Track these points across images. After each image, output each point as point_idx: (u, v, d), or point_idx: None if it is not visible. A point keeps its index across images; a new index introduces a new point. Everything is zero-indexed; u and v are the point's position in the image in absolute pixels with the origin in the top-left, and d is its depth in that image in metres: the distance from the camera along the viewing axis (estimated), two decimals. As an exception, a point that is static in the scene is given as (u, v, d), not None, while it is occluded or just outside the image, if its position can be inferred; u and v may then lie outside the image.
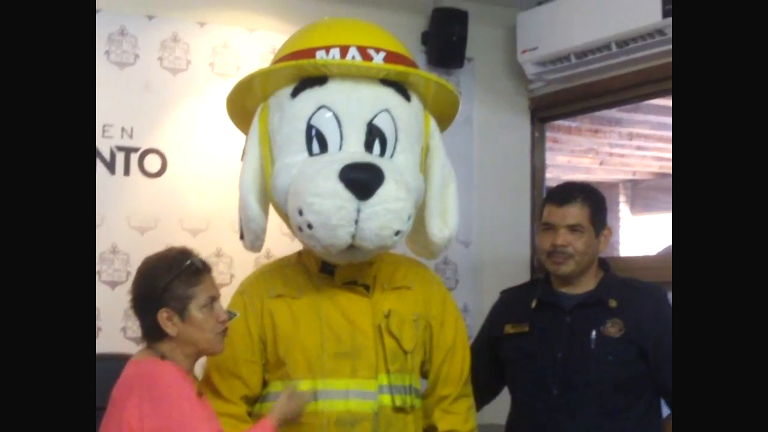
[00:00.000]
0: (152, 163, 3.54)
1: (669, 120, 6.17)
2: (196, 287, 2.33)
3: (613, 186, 9.55)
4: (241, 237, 2.61)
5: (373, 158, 2.46)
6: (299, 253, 2.67)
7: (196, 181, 3.59)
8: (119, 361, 2.39)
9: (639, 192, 9.57)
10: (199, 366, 2.50)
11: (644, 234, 9.36)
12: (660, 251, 5.50)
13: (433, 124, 2.66)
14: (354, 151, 2.46)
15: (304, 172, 2.40)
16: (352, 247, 2.39)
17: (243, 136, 2.77)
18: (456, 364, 2.69)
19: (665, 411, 2.81)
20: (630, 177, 9.23)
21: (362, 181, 2.33)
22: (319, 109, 2.48)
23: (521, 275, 4.26)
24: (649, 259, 4.16)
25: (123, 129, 3.49)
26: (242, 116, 2.72)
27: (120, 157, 3.48)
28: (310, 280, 2.56)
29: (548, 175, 8.23)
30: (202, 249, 3.49)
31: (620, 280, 2.87)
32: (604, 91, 3.95)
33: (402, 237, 2.44)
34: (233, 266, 3.63)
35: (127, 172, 3.49)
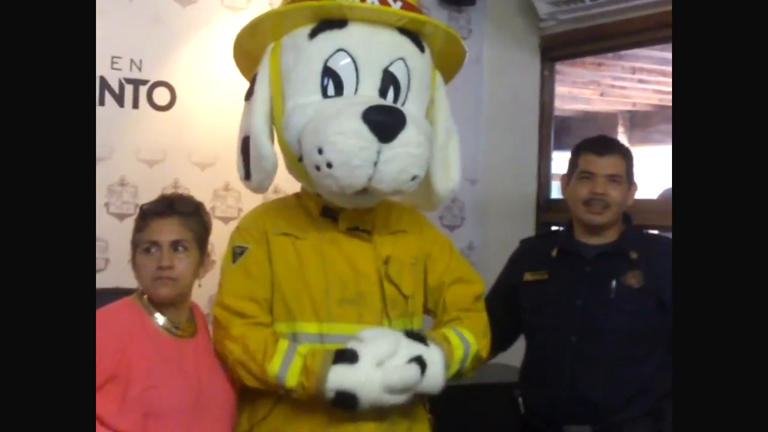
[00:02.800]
0: (161, 95, 3.48)
1: (671, 55, 6.13)
2: (142, 232, 2.33)
3: (612, 116, 9.53)
4: (246, 177, 2.56)
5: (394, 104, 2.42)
6: (297, 196, 2.64)
7: (205, 115, 3.54)
8: (128, 294, 2.40)
9: (638, 123, 9.54)
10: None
11: (643, 165, 9.35)
12: (660, 194, 5.50)
13: (439, 77, 2.62)
14: (370, 95, 2.42)
15: (323, 111, 2.36)
16: (364, 191, 2.36)
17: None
18: (459, 290, 2.66)
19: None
20: (629, 108, 9.20)
21: (386, 123, 2.29)
22: (337, 51, 2.43)
23: (527, 213, 4.28)
24: (650, 203, 4.16)
25: (132, 61, 3.42)
26: (242, 57, 2.68)
27: (129, 90, 3.42)
28: (312, 223, 2.53)
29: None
30: (211, 183, 3.57)
31: (641, 233, 2.89)
32: (616, 33, 3.88)
33: (417, 182, 2.41)
34: (241, 200, 3.61)
35: (135, 104, 3.43)
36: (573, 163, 2.82)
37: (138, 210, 2.40)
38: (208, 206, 3.43)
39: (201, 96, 3.53)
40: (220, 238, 3.10)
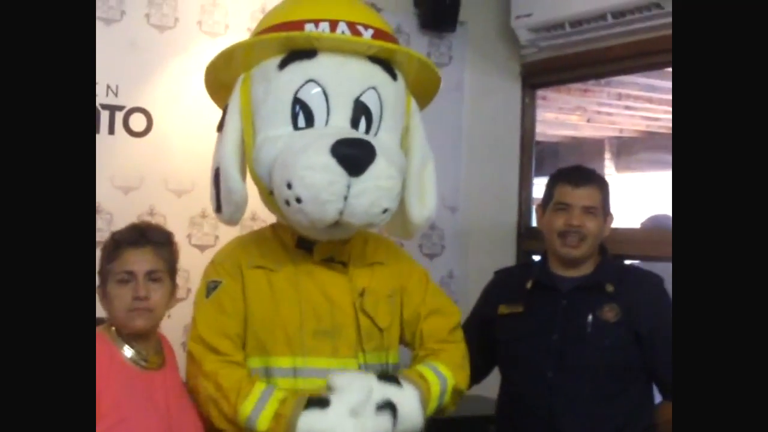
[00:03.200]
0: (137, 122, 3.45)
1: (657, 82, 6.14)
2: (114, 262, 2.29)
3: (599, 143, 9.53)
4: (218, 210, 2.54)
5: (364, 135, 2.41)
6: (273, 227, 2.62)
7: (182, 141, 3.51)
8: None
9: (625, 150, 9.55)
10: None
11: (628, 192, 9.35)
12: (643, 223, 5.48)
13: (413, 103, 2.62)
14: (341, 126, 2.41)
15: (292, 145, 2.35)
16: (336, 224, 2.35)
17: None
18: (438, 320, 2.64)
19: (657, 398, 2.80)
20: (617, 134, 9.21)
21: (355, 157, 2.28)
22: (307, 82, 2.42)
23: (508, 242, 4.26)
24: (632, 232, 4.13)
25: (108, 87, 3.39)
26: (215, 88, 2.66)
27: (105, 116, 3.39)
28: (287, 254, 2.51)
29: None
30: (187, 210, 3.53)
31: (618, 265, 2.87)
32: (597, 60, 3.88)
33: (389, 215, 2.40)
34: (218, 228, 3.57)
35: (111, 130, 3.40)
36: (548, 194, 2.80)
37: (108, 239, 2.36)
38: (184, 234, 3.48)
39: (178, 122, 3.51)
40: (196, 267, 3.08)
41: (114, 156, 3.42)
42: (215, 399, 2.35)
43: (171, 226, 3.40)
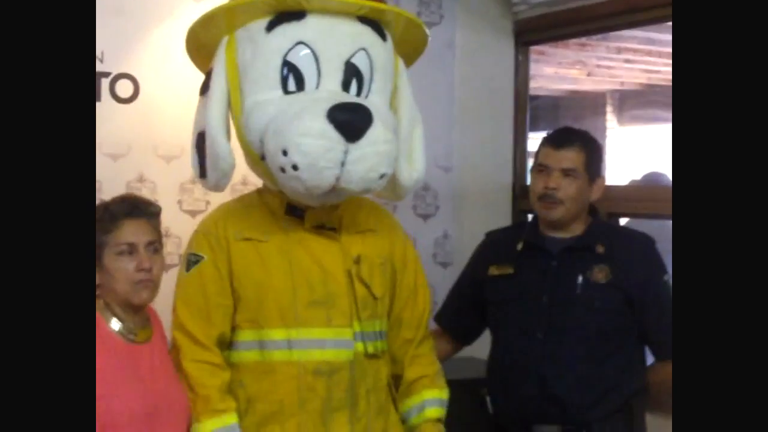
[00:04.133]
0: (124, 88, 3.45)
1: (657, 35, 6.10)
2: (110, 234, 2.27)
3: (600, 96, 9.47)
4: (202, 175, 2.51)
5: (359, 99, 2.40)
6: (260, 192, 2.60)
7: (170, 107, 3.50)
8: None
9: (626, 103, 9.49)
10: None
11: (630, 145, 9.32)
12: (638, 180, 5.46)
13: (401, 63, 2.61)
14: (332, 89, 2.39)
15: (286, 110, 2.32)
16: (332, 190, 2.34)
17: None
18: (418, 306, 2.67)
19: (649, 359, 2.80)
20: (618, 87, 9.15)
21: (352, 122, 2.26)
22: (296, 45, 2.39)
23: (503, 202, 4.25)
24: (627, 189, 4.11)
25: None
26: (196, 50, 2.64)
27: None
28: (276, 222, 2.50)
29: (534, 84, 8.21)
30: (177, 176, 3.53)
31: (609, 226, 2.88)
32: (591, 16, 3.87)
33: (386, 180, 2.40)
34: (209, 193, 3.54)
35: (98, 97, 3.40)
36: (535, 155, 2.77)
37: (101, 210, 2.31)
38: (174, 200, 3.50)
39: (165, 88, 3.51)
40: (187, 233, 3.05)
41: (101, 123, 3.40)
42: (190, 397, 2.41)
43: (161, 192, 3.45)
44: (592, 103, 9.47)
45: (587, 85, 8.85)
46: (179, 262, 3.35)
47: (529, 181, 4.29)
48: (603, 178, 2.81)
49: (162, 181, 3.51)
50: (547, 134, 2.82)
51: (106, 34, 3.38)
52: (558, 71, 7.71)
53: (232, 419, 2.37)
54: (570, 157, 2.72)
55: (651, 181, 5.72)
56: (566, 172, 2.71)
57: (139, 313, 2.35)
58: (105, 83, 3.40)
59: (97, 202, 3.21)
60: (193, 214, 3.56)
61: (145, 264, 2.28)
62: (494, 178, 4.23)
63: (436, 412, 2.58)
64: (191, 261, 2.47)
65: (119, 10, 3.41)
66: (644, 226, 4.21)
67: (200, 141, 2.48)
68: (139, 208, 2.34)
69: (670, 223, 4.68)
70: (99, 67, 3.38)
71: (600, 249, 2.72)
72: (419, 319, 2.64)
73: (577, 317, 2.68)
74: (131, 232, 2.29)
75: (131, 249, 2.28)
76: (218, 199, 3.51)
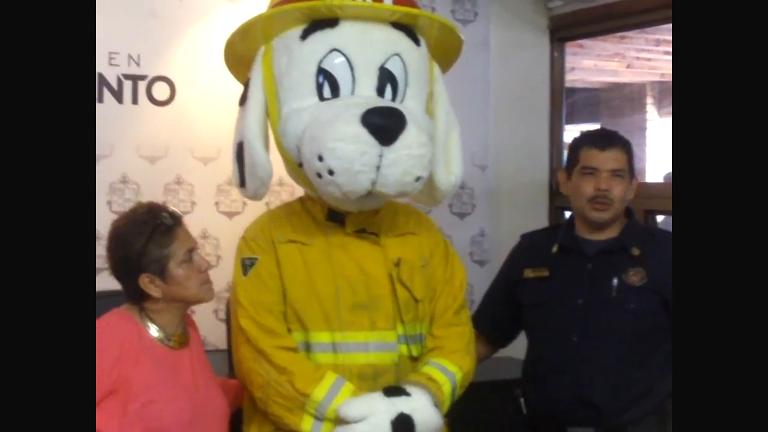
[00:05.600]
0: (161, 90, 3.55)
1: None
2: (171, 245, 2.33)
3: (641, 88, 9.42)
4: (242, 185, 2.55)
5: (393, 103, 2.43)
6: (301, 200, 2.64)
7: (206, 109, 3.59)
8: (121, 296, 2.40)
9: (667, 94, 9.43)
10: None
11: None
12: (666, 175, 5.46)
13: (436, 68, 2.63)
14: (368, 95, 2.43)
15: (320, 116, 2.36)
16: (369, 194, 2.36)
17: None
18: (455, 282, 2.64)
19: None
20: (658, 79, 9.09)
21: (386, 126, 2.28)
22: (330, 51, 2.43)
23: (539, 200, 4.28)
24: (664, 186, 4.11)
25: (130, 56, 3.49)
26: (234, 62, 2.67)
27: (128, 86, 3.49)
28: (318, 227, 2.53)
29: (572, 77, 8.16)
30: (214, 177, 3.60)
31: (644, 228, 2.89)
32: (626, 12, 3.89)
33: (422, 183, 2.42)
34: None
35: (135, 100, 3.50)
36: (573, 158, 2.81)
37: (148, 225, 2.33)
38: (212, 201, 3.57)
39: (201, 90, 3.59)
40: (224, 234, 3.11)
41: (139, 126, 3.49)
42: (279, 382, 2.37)
43: (198, 193, 3.54)
44: (632, 95, 9.42)
45: (627, 77, 8.80)
46: (216, 263, 3.44)
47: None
48: (636, 178, 2.81)
49: (199, 182, 3.59)
50: (584, 136, 2.83)
51: (142, 36, 3.48)
52: (597, 63, 7.68)
53: (332, 376, 2.39)
54: (616, 158, 2.74)
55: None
56: (615, 173, 2.73)
57: (177, 318, 2.41)
58: (142, 86, 3.50)
59: (136, 203, 3.32)
60: (230, 215, 3.63)
61: (204, 266, 2.38)
62: (530, 176, 4.27)
63: (441, 376, 2.50)
64: (247, 264, 2.50)
65: (154, 12, 3.52)
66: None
67: (240, 151, 2.52)
68: (176, 217, 2.40)
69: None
70: (136, 70, 3.49)
71: (635, 251, 2.73)
72: (458, 289, 2.64)
73: (612, 320, 2.69)
74: (186, 239, 2.37)
75: (190, 255, 2.36)
76: (254, 202, 3.59)
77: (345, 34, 2.43)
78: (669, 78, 9.01)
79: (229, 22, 3.51)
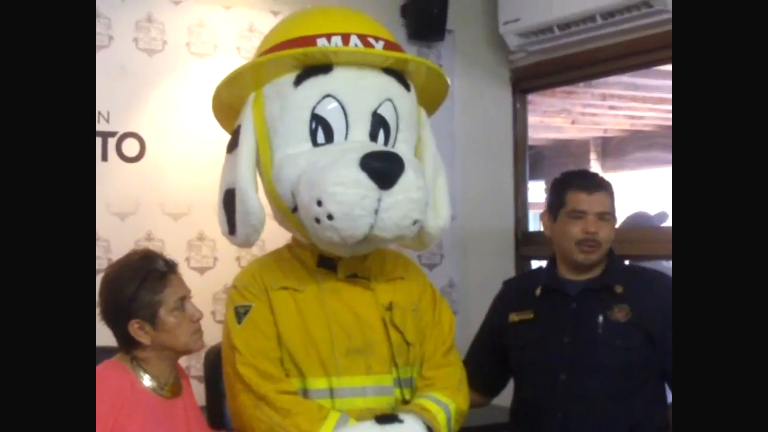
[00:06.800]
0: (130, 147, 3.56)
1: (641, 80, 6.21)
2: (163, 292, 2.33)
3: (584, 144, 9.59)
4: (231, 232, 2.55)
5: (388, 147, 2.47)
6: (289, 247, 2.65)
7: (177, 164, 3.62)
8: (106, 353, 2.39)
9: (610, 149, 9.61)
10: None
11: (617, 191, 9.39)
12: (623, 222, 5.55)
13: (423, 113, 2.70)
14: (361, 140, 2.47)
15: (317, 162, 2.39)
16: (365, 239, 2.39)
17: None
18: (443, 324, 2.65)
19: (670, 397, 2.85)
20: (601, 135, 9.26)
21: (385, 170, 2.32)
22: (324, 97, 2.47)
23: (506, 248, 4.32)
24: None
25: (99, 113, 3.49)
26: (222, 109, 2.69)
27: (98, 142, 3.50)
28: (309, 274, 2.55)
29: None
30: (184, 233, 3.60)
31: (626, 266, 2.94)
32: (587, 62, 4.02)
33: (418, 226, 2.46)
34: (216, 249, 3.67)
35: (105, 157, 3.51)
36: (559, 201, 2.85)
37: (141, 270, 2.34)
38: (182, 257, 3.55)
39: (171, 145, 3.63)
40: (195, 290, 3.07)
41: (109, 182, 3.49)
42: (283, 426, 2.36)
43: (169, 249, 3.52)
44: (576, 151, 9.57)
45: (571, 134, 8.95)
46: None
47: (532, 226, 4.43)
48: (616, 219, 2.88)
49: (170, 238, 3.60)
50: (570, 178, 2.91)
51: (111, 93, 3.50)
52: (543, 120, 7.81)
53: (337, 414, 2.38)
54: (603, 201, 2.81)
55: (636, 220, 5.82)
56: (602, 216, 2.79)
57: (170, 367, 2.40)
58: (112, 143, 3.52)
59: (105, 260, 3.30)
60: (201, 271, 3.63)
61: (197, 315, 2.38)
62: (497, 225, 4.37)
63: (434, 407, 2.51)
64: (241, 312, 2.50)
65: (123, 69, 3.54)
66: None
67: (229, 198, 2.53)
68: (170, 264, 2.41)
69: (662, 263, 4.79)
70: (106, 127, 3.50)
71: (619, 289, 2.79)
72: (446, 332, 2.66)
73: (600, 356, 2.73)
74: (178, 287, 2.38)
75: (182, 303, 2.36)
76: (226, 256, 3.60)
77: (339, 79, 2.47)
78: (611, 133, 9.20)
79: (198, 77, 3.58)
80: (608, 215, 2.81)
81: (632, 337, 2.74)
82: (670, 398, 2.89)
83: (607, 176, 8.65)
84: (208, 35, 3.67)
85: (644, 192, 8.89)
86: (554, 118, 7.94)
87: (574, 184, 2.87)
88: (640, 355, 2.75)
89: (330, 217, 2.32)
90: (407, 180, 2.35)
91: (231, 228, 2.54)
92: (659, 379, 2.81)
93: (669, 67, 4.30)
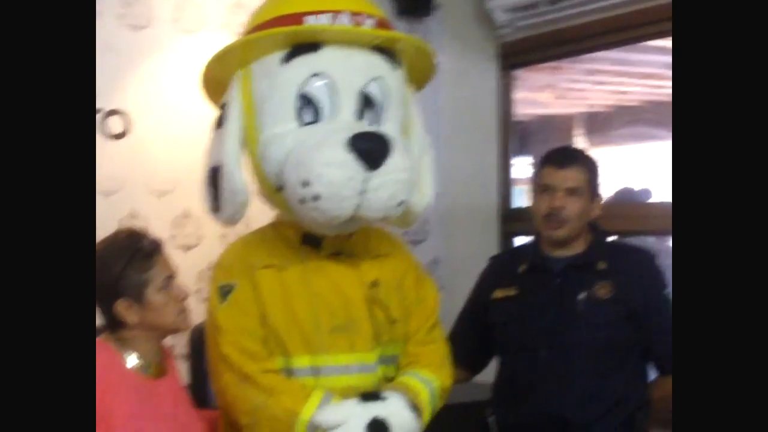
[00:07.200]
0: (116, 124, 3.53)
1: (628, 55, 6.21)
2: (150, 271, 2.34)
3: (568, 119, 9.59)
4: (216, 210, 2.54)
5: (376, 128, 2.46)
6: (273, 226, 2.66)
7: (162, 142, 3.62)
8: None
9: (596, 124, 9.62)
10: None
11: (603, 166, 9.41)
12: (612, 195, 5.58)
13: (410, 92, 2.68)
14: (348, 119, 2.46)
15: (304, 141, 2.38)
16: (350, 218, 2.40)
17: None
18: (428, 300, 2.68)
19: (651, 375, 2.87)
20: (586, 109, 9.27)
21: (372, 151, 2.32)
22: (312, 76, 2.45)
23: (491, 224, 4.33)
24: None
25: None
26: (211, 86, 2.67)
27: None
28: (294, 251, 2.55)
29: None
30: (169, 211, 3.60)
31: (610, 242, 2.95)
32: (574, 37, 4.02)
33: (404, 207, 2.46)
34: (201, 227, 3.66)
35: None
36: (536, 176, 2.87)
37: (129, 249, 2.35)
38: (167, 235, 3.51)
39: (156, 122, 3.62)
40: (181, 268, 3.06)
41: (93, 160, 3.43)
42: (267, 404, 2.38)
43: (154, 228, 3.46)
44: (560, 126, 9.58)
45: (556, 109, 8.96)
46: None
47: (515, 203, 4.45)
48: (601, 197, 2.89)
49: (154, 216, 3.60)
50: (547, 154, 2.91)
51: (97, 70, 3.41)
52: (528, 96, 7.80)
53: (321, 392, 2.40)
54: (574, 177, 2.81)
55: (624, 196, 5.83)
56: (570, 191, 2.80)
57: (155, 347, 2.41)
58: (97, 120, 3.48)
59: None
60: (185, 248, 3.64)
61: (182, 293, 2.39)
62: (481, 202, 4.38)
63: (417, 384, 2.53)
64: (225, 291, 2.50)
65: (108, 46, 3.51)
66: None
67: (214, 175, 2.52)
68: (159, 243, 2.42)
69: (648, 239, 4.82)
70: (91, 104, 3.43)
71: (602, 266, 2.81)
72: (431, 309, 2.68)
73: (581, 334, 2.76)
74: (165, 266, 2.38)
75: (168, 282, 2.36)
76: (211, 233, 3.59)
77: (327, 58, 2.46)
78: (598, 109, 9.20)
79: (184, 54, 3.57)
80: (578, 190, 2.80)
81: (614, 314, 2.76)
82: (651, 375, 2.92)
83: (594, 151, 8.63)
84: (194, 11, 3.66)
85: (630, 167, 8.91)
86: (540, 94, 7.94)
87: (548, 159, 2.89)
88: (622, 332, 2.77)
89: (316, 197, 2.32)
90: (395, 161, 2.35)
91: (216, 206, 2.53)
92: (640, 356, 2.84)
93: (657, 42, 4.33)
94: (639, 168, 9.34)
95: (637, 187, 6.48)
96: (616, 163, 9.13)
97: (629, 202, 5.73)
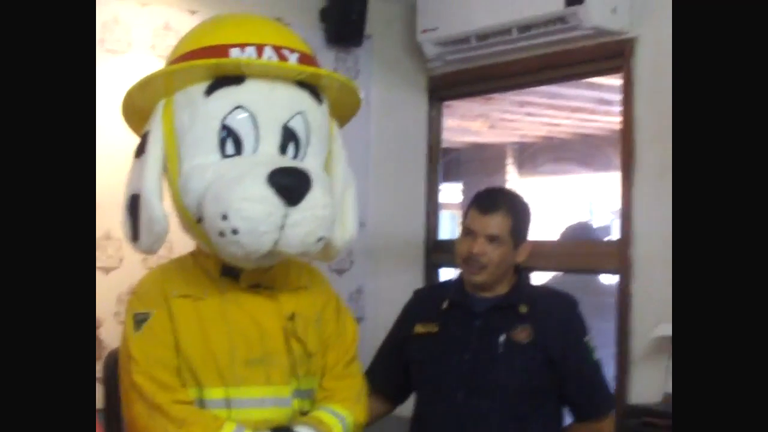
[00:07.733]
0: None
1: (559, 89, 6.30)
2: None
3: (501, 148, 9.68)
4: (135, 239, 2.53)
5: (297, 163, 2.48)
6: (193, 255, 2.65)
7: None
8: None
9: (526, 155, 9.72)
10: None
11: (530, 195, 9.50)
12: (563, 232, 5.60)
13: (335, 127, 2.70)
14: (269, 153, 2.47)
15: (225, 175, 2.38)
16: (269, 253, 2.40)
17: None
18: (347, 333, 2.70)
19: (567, 420, 2.89)
20: (518, 140, 9.37)
21: (292, 186, 2.35)
22: (235, 109, 2.46)
23: (416, 257, 4.37)
24: (550, 245, 4.26)
25: None
26: (132, 114, 2.67)
27: None
28: (212, 282, 2.55)
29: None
30: (91, 232, 3.51)
31: (532, 286, 2.95)
32: (502, 74, 4.08)
33: (323, 244, 2.47)
34: (122, 249, 3.61)
35: None
36: (463, 216, 2.88)
37: None
38: (88, 257, 3.44)
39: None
40: (100, 290, 3.05)
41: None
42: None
43: (75, 249, 3.42)
44: (493, 155, 9.66)
45: (488, 138, 9.04)
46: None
47: (441, 235, 4.48)
48: (529, 243, 2.89)
49: (75, 237, 3.50)
50: (476, 196, 2.91)
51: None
52: (461, 123, 7.87)
53: (232, 424, 2.40)
54: (495, 224, 2.77)
55: (578, 231, 5.81)
56: (491, 238, 2.76)
57: None
58: (18, 138, 3.39)
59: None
60: (106, 271, 3.58)
61: None
62: (408, 233, 4.41)
63: (330, 419, 2.54)
64: (139, 319, 2.49)
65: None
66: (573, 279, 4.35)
67: (133, 203, 2.51)
68: None
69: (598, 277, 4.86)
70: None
71: (523, 309, 2.79)
72: (349, 343, 2.69)
73: (499, 377, 2.75)
74: None
75: None
76: (132, 256, 3.56)
77: (250, 91, 2.47)
78: (529, 139, 9.31)
79: (111, 74, 3.54)
80: (498, 239, 2.77)
81: (532, 359, 2.75)
82: (566, 421, 2.94)
83: (522, 182, 8.67)
84: (121, 32, 3.63)
85: (562, 198, 9.02)
86: (472, 123, 8.01)
87: (475, 201, 2.87)
88: (539, 376, 2.76)
89: (235, 231, 2.33)
90: (314, 197, 2.37)
91: (134, 234, 2.53)
92: (557, 401, 2.85)
93: (585, 80, 4.40)
94: (567, 199, 9.49)
95: (596, 224, 6.42)
96: (543, 194, 9.24)
97: (584, 238, 5.65)
